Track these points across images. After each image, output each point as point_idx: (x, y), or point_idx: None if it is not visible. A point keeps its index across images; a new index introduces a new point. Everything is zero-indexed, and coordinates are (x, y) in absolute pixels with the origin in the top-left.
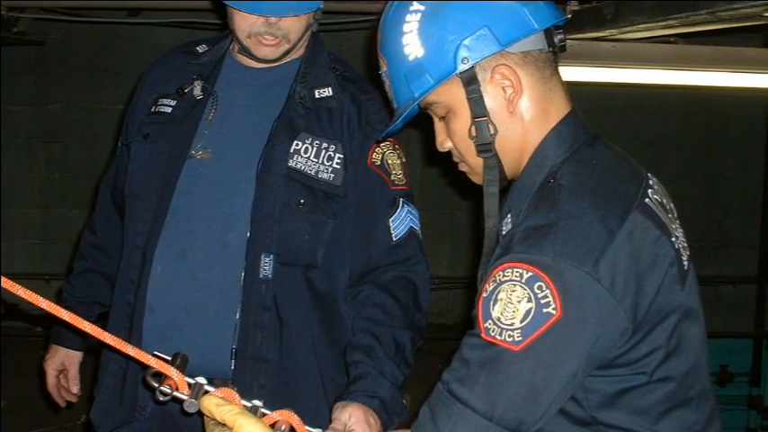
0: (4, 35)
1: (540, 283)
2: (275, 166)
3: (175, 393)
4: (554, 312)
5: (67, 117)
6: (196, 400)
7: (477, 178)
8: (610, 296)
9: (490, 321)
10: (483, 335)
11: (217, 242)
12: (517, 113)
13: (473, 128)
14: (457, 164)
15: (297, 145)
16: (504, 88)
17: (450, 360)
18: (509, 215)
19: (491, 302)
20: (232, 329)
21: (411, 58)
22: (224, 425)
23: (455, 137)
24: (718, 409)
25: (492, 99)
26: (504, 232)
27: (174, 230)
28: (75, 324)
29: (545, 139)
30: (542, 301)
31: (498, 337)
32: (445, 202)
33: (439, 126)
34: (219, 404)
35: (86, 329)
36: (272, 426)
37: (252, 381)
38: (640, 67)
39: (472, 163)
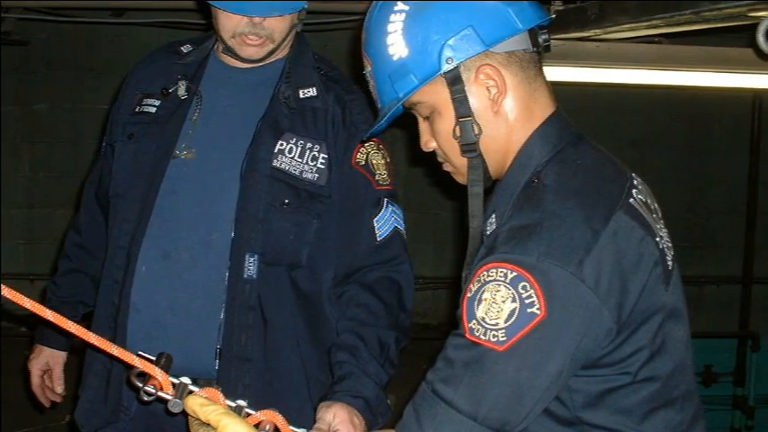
0: None
1: (524, 283)
2: (259, 166)
3: (160, 393)
4: (538, 312)
5: (52, 117)
6: (180, 400)
7: (461, 178)
8: (594, 296)
9: (474, 321)
10: (467, 335)
11: (201, 242)
12: (501, 113)
13: (457, 128)
14: (441, 164)
15: (281, 145)
16: (488, 88)
17: (435, 360)
18: (493, 215)
19: (475, 302)
20: (216, 329)
21: (395, 58)
22: (208, 425)
23: (439, 137)
24: (702, 409)
25: (476, 99)
26: (488, 232)
27: (158, 230)
28: (59, 324)
29: (529, 140)
30: (527, 302)
31: (483, 337)
32: (430, 202)
33: (423, 126)
34: (204, 404)
35: (71, 329)
36: (257, 426)
37: (236, 381)
38: (625, 67)
39: (457, 163)
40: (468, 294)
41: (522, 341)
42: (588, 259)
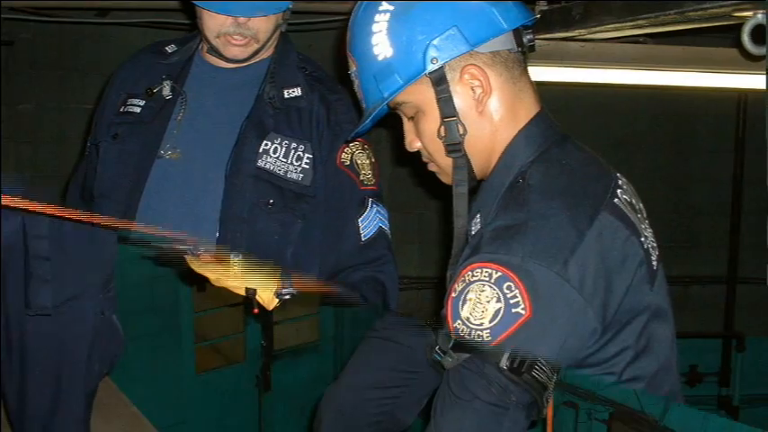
0: None
1: (509, 283)
2: (244, 166)
3: None
4: (523, 312)
5: (37, 117)
6: None
7: (446, 178)
8: (579, 296)
9: (459, 321)
10: (452, 335)
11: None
12: (486, 113)
13: (442, 128)
14: (426, 164)
15: (266, 145)
16: (473, 88)
17: None
18: (478, 215)
19: (460, 302)
20: None
21: (380, 58)
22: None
23: (424, 137)
24: None
25: (461, 99)
26: (473, 232)
27: None
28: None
29: (514, 140)
30: (511, 301)
31: (467, 337)
32: (414, 201)
33: (408, 126)
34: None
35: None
36: None
37: None
38: (609, 67)
39: (441, 163)
40: (453, 294)
41: (507, 341)
42: (573, 259)
